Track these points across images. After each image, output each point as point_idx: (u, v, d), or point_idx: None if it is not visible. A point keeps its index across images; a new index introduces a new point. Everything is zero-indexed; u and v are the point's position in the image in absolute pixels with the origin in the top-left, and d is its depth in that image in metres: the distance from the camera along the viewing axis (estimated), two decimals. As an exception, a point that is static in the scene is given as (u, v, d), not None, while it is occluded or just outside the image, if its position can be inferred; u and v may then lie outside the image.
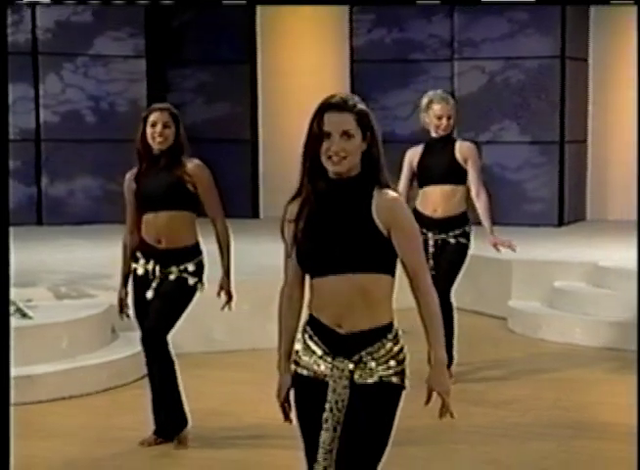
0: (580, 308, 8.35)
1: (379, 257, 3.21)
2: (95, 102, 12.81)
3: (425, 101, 6.83)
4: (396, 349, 3.23)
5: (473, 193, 6.75)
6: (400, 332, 3.25)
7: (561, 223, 12.37)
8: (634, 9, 12.50)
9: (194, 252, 5.43)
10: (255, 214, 13.53)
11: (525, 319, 8.53)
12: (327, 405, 3.22)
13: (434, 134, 6.81)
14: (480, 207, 6.75)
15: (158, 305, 5.35)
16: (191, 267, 5.39)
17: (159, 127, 5.32)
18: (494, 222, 6.79)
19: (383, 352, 3.21)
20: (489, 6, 12.12)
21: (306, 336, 3.31)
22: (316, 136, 3.22)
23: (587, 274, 8.78)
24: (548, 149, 12.36)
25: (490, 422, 5.93)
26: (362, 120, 3.22)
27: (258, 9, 13.42)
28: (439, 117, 6.74)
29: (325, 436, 3.23)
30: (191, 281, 5.39)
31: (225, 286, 5.51)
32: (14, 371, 6.02)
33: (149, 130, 5.34)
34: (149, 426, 5.57)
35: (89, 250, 10.19)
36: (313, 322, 3.29)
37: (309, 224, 3.25)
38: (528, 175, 12.35)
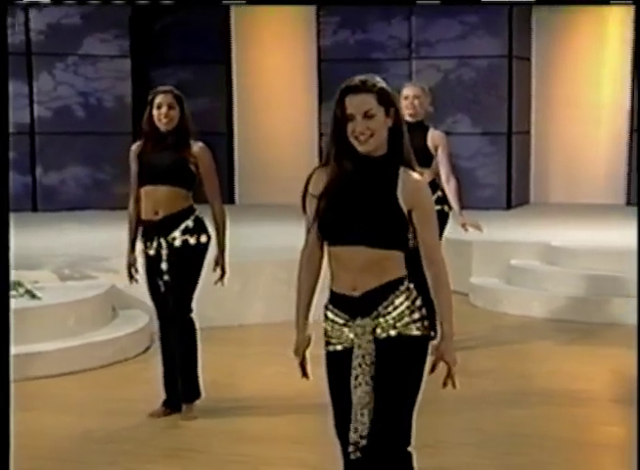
0: (536, 284, 8.28)
1: (396, 234, 3.10)
2: (84, 98, 12.57)
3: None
4: (410, 301, 3.11)
5: (443, 178, 6.65)
6: (412, 285, 3.12)
7: (509, 206, 12.34)
8: (574, 11, 12.51)
9: (189, 211, 5.23)
10: (231, 201, 13.34)
11: (485, 295, 8.45)
12: (354, 362, 3.10)
13: (407, 118, 6.66)
14: (450, 191, 6.65)
15: (174, 276, 5.18)
16: (190, 223, 5.21)
17: (164, 109, 5.15)
18: (463, 206, 6.71)
19: (398, 303, 3.10)
20: (444, 9, 11.99)
21: (329, 313, 3.20)
22: (340, 119, 3.09)
23: (540, 253, 8.71)
24: (497, 139, 12.30)
25: (469, 391, 5.80)
26: (383, 98, 3.09)
27: (233, 12, 13.22)
28: (406, 98, 6.62)
29: (359, 392, 3.10)
30: (192, 240, 5.20)
31: (220, 262, 5.35)
32: (24, 348, 5.91)
33: (155, 112, 5.17)
34: (156, 398, 5.41)
35: (84, 234, 9.96)
36: (332, 297, 3.18)
37: (335, 197, 3.11)
38: (479, 163, 12.28)
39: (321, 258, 3.21)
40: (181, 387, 5.32)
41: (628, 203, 12.51)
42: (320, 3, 12.64)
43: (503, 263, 8.71)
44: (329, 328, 3.21)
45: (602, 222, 10.64)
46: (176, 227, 5.18)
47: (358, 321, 3.11)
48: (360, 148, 3.07)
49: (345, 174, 3.11)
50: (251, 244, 8.58)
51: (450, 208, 6.63)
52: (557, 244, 8.68)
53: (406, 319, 3.10)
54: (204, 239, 5.25)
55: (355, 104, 3.06)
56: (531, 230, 9.97)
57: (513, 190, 12.42)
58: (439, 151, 6.59)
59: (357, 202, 3.08)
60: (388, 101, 3.09)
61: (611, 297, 7.83)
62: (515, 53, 12.28)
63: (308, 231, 3.20)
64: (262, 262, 8.02)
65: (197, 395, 5.37)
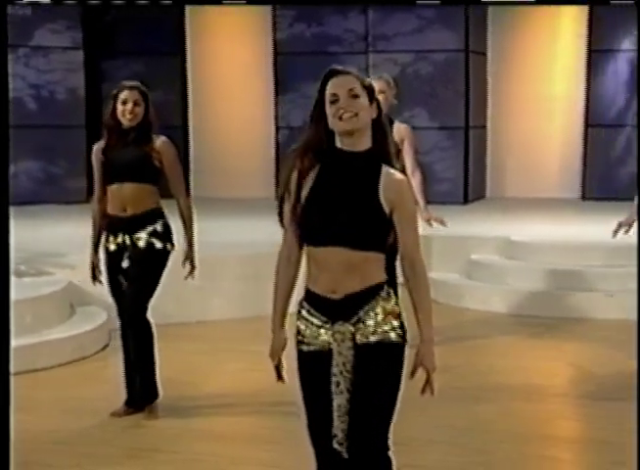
0: (496, 279, 8.26)
1: (376, 236, 3.00)
2: (36, 90, 12.33)
3: None
4: (391, 305, 3.03)
5: (408, 172, 6.57)
6: (392, 291, 3.03)
7: (466, 201, 12.32)
8: (528, 5, 12.52)
9: (158, 214, 5.14)
10: (186, 193, 13.19)
11: (447, 290, 8.40)
12: (335, 369, 3.02)
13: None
14: (415, 185, 6.57)
15: (134, 276, 5.07)
16: (159, 228, 5.11)
17: (129, 105, 5.02)
18: (428, 200, 6.66)
19: (378, 309, 3.01)
20: (401, 3, 11.96)
21: (304, 311, 3.09)
22: (321, 103, 2.99)
23: (500, 247, 8.69)
24: (454, 134, 12.28)
25: (436, 387, 5.75)
26: (365, 85, 3.01)
27: (187, 4, 13.08)
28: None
29: (340, 399, 3.02)
30: (159, 245, 5.09)
31: (189, 256, 5.26)
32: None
33: (119, 107, 5.03)
34: (118, 397, 5.28)
35: (38, 229, 9.75)
36: (309, 296, 3.07)
37: (313, 195, 3.00)
38: (437, 158, 12.24)
39: (299, 258, 3.11)
40: (139, 388, 5.20)
41: (583, 197, 12.57)
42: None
43: (463, 258, 8.68)
44: (303, 327, 3.11)
45: (559, 217, 10.67)
46: (143, 228, 5.06)
47: (338, 326, 3.02)
48: (344, 127, 2.94)
49: (324, 169, 3.01)
50: (208, 238, 8.43)
51: (416, 202, 6.56)
52: (517, 238, 8.67)
53: (386, 325, 3.02)
54: (169, 246, 5.15)
55: (339, 83, 2.97)
56: (490, 225, 9.96)
57: (470, 184, 12.42)
58: (405, 144, 6.52)
59: (338, 200, 2.98)
60: (370, 90, 3.01)
61: (571, 291, 7.84)
62: (471, 48, 12.27)
63: (286, 230, 3.10)
64: (222, 257, 7.90)
65: (155, 395, 5.26)
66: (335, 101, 2.95)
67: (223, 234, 9.06)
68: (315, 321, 3.06)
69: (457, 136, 12.28)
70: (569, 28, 12.77)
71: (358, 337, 3.01)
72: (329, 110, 2.96)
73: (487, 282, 8.24)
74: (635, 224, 6.24)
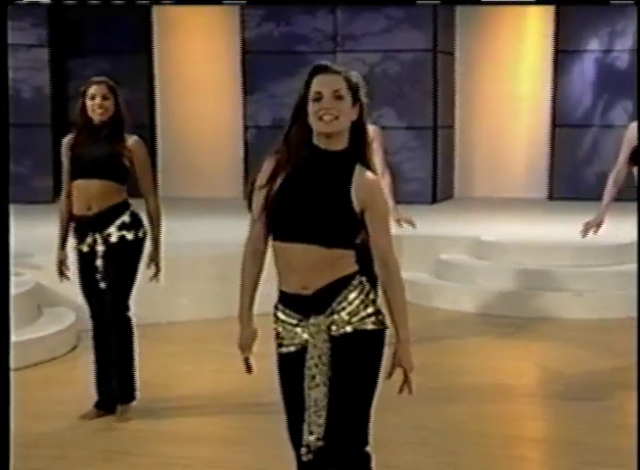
0: (466, 279, 8.29)
1: (347, 234, 3.01)
2: (1, 88, 12.17)
3: None
4: (363, 295, 3.03)
5: (378, 173, 6.55)
6: (364, 279, 3.03)
7: (434, 201, 12.35)
8: (495, 9, 12.58)
9: (124, 206, 5.09)
10: (156, 194, 13.13)
11: (417, 290, 8.39)
12: (310, 362, 3.01)
13: None
14: (385, 186, 6.57)
15: (111, 273, 5.02)
16: (127, 219, 5.06)
17: (98, 100, 4.98)
18: (396, 200, 6.68)
19: (351, 297, 3.01)
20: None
21: (279, 312, 3.11)
22: (305, 99, 2.97)
23: (469, 247, 8.73)
24: (422, 134, 12.30)
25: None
26: (352, 86, 2.99)
27: (154, 2, 13.00)
28: None
29: (316, 393, 3.01)
30: (130, 235, 5.05)
31: (155, 258, 5.22)
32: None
33: (88, 103, 5.00)
34: (87, 399, 5.25)
35: (3, 229, 9.64)
36: (282, 297, 3.08)
37: (286, 190, 3.00)
38: (405, 157, 12.26)
39: (264, 252, 3.12)
40: (117, 388, 5.16)
41: (550, 197, 12.65)
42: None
43: (433, 258, 8.70)
44: (280, 329, 3.11)
45: (526, 217, 10.73)
46: (111, 223, 5.02)
47: (312, 320, 3.02)
48: (324, 128, 2.94)
49: (298, 166, 3.00)
50: (176, 238, 8.41)
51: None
52: (486, 238, 8.71)
53: (361, 314, 3.02)
54: (141, 234, 5.11)
55: (325, 82, 2.96)
56: (459, 224, 10.00)
57: (438, 184, 12.45)
58: (375, 145, 6.51)
59: (310, 198, 2.98)
60: (356, 91, 3.00)
61: (540, 291, 7.88)
62: (439, 47, 12.29)
63: (253, 223, 3.08)
64: (191, 258, 7.87)
65: (133, 395, 5.23)
66: (318, 99, 2.94)
67: (192, 234, 9.02)
68: (290, 320, 3.07)
69: (425, 136, 12.30)
70: (535, 29, 12.84)
71: (334, 328, 3.01)
72: (311, 107, 2.96)
73: (457, 282, 8.27)
74: (604, 225, 6.29)
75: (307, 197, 2.97)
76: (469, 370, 6.23)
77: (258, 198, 3.03)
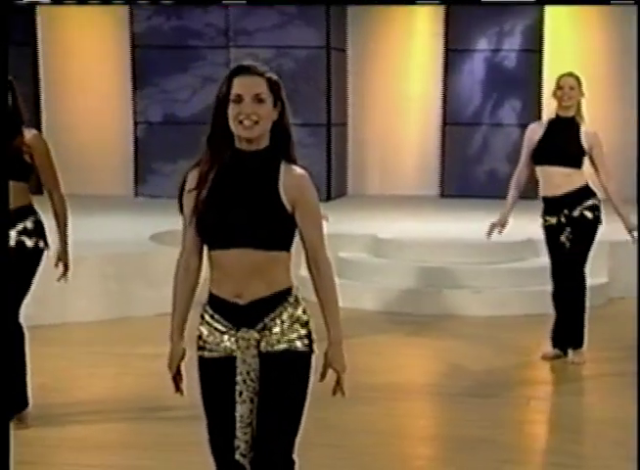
0: (365, 277, 8.28)
1: (281, 234, 2.94)
2: None
3: None
4: (298, 313, 2.96)
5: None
6: (300, 296, 2.96)
7: (328, 198, 12.32)
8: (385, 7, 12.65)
9: (29, 210, 4.88)
10: (39, 191, 12.74)
11: (317, 288, 8.38)
12: (238, 378, 2.92)
13: None
14: None
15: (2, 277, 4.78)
16: (30, 225, 4.85)
17: None
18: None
19: (285, 316, 2.93)
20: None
21: (207, 316, 2.99)
22: (225, 100, 2.88)
23: (368, 245, 8.73)
24: (316, 131, 12.24)
25: (315, 388, 5.68)
26: (273, 87, 2.92)
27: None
28: None
29: (242, 409, 2.92)
30: (29, 242, 4.83)
31: (63, 257, 5.03)
32: None
33: None
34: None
35: None
36: (213, 300, 2.96)
37: (213, 194, 2.90)
38: (300, 154, 11.70)
39: (199, 269, 3.01)
40: (8, 396, 4.93)
41: (442, 195, 12.79)
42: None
43: (331, 256, 8.57)
44: (206, 332, 3.00)
45: (421, 214, 10.80)
46: (13, 226, 4.79)
47: (242, 333, 2.92)
48: (243, 133, 2.87)
49: (223, 169, 2.91)
50: (76, 237, 8.18)
51: None
52: (384, 236, 8.72)
53: (293, 335, 2.94)
54: (42, 244, 4.89)
55: (246, 84, 2.87)
56: (355, 222, 10.00)
57: (332, 182, 12.43)
58: None
59: (238, 199, 2.89)
60: (277, 92, 2.93)
61: (440, 288, 7.93)
62: (332, 44, 12.27)
63: (184, 232, 2.99)
64: (82, 257, 7.60)
65: (25, 404, 5.00)
66: (238, 101, 2.86)
67: (84, 232, 8.72)
68: (219, 327, 2.96)
69: (319, 133, 12.27)
70: (425, 27, 12.95)
71: (263, 345, 2.92)
72: (231, 109, 2.87)
73: (357, 280, 8.24)
74: (508, 225, 6.36)
75: (236, 200, 2.89)
76: (376, 369, 6.21)
77: (189, 201, 2.94)
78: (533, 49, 12.38)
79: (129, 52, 12.49)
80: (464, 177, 12.70)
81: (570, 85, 6.08)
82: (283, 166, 2.93)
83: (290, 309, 2.93)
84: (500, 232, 6.33)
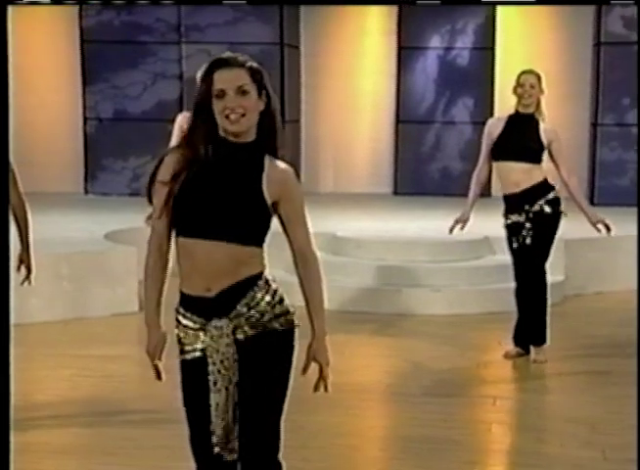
0: (324, 275, 8.17)
1: (257, 230, 2.88)
2: None
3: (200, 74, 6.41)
4: (270, 295, 2.90)
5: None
6: (271, 278, 2.90)
7: (281, 196, 12.26)
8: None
9: None
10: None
11: (275, 287, 8.31)
12: (211, 367, 2.86)
13: None
14: None
15: None
16: None
17: None
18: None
19: (257, 299, 2.87)
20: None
21: (180, 317, 2.92)
22: (206, 97, 2.81)
23: (325, 243, 8.64)
24: (269, 128, 12.16)
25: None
26: (256, 77, 2.84)
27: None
28: None
29: (217, 398, 2.87)
30: None
31: (25, 260, 4.95)
32: None
33: None
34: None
35: None
36: (183, 300, 2.90)
37: (193, 185, 2.82)
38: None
39: (169, 248, 2.93)
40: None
41: (395, 192, 12.78)
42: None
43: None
44: (182, 335, 2.94)
45: (375, 212, 10.79)
46: None
47: (214, 322, 2.84)
48: (231, 127, 2.80)
49: (205, 159, 2.83)
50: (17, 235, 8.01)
51: None
52: (342, 234, 8.67)
53: (268, 316, 2.88)
54: None
55: (227, 78, 2.79)
56: (311, 221, 9.87)
57: (285, 179, 12.36)
58: None
59: (217, 191, 2.82)
60: (260, 80, 2.85)
61: (399, 287, 7.90)
62: (286, 41, 12.21)
63: (155, 221, 2.90)
64: (38, 256, 7.45)
65: None
66: (221, 96, 2.78)
67: (33, 231, 8.57)
68: (191, 325, 2.90)
69: (272, 130, 12.18)
70: (377, 25, 12.93)
71: (238, 332, 2.85)
72: (215, 104, 2.80)
73: (314, 279, 8.18)
74: (469, 222, 6.35)
75: (216, 191, 2.82)
76: (338, 369, 6.03)
77: (160, 194, 2.85)
78: (485, 47, 12.43)
79: (79, 47, 12.29)
80: (417, 175, 12.71)
81: (530, 83, 6.09)
82: (267, 160, 2.87)
83: (261, 293, 2.88)
84: (462, 229, 6.32)
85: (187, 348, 2.92)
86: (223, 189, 2.81)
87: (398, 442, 5.00)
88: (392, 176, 12.87)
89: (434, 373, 6.13)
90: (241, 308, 2.85)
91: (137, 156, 11.88)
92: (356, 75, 12.92)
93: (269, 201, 2.84)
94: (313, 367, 3.04)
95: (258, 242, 2.88)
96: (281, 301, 2.92)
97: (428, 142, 12.74)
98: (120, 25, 12.19)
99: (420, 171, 12.70)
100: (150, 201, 2.90)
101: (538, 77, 6.12)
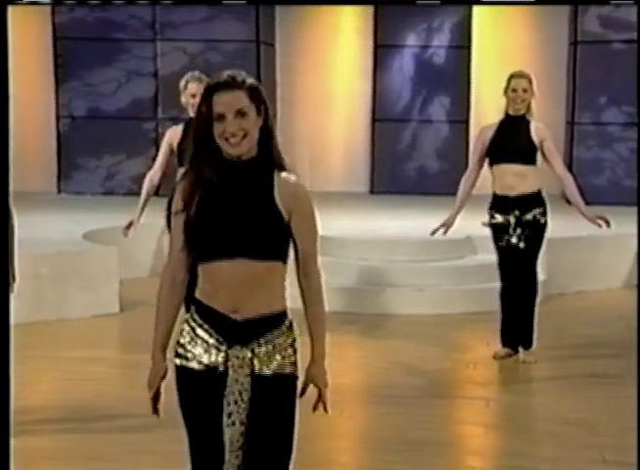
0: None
1: (277, 244, 2.81)
2: None
3: (182, 82, 6.33)
4: (292, 338, 2.85)
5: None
6: (290, 317, 2.86)
7: (259, 196, 12.18)
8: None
9: None
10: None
11: (257, 287, 8.23)
12: (230, 398, 2.78)
13: (191, 114, 6.32)
14: None
15: None
16: None
17: None
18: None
19: (282, 339, 2.82)
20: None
21: (195, 325, 2.83)
22: (207, 120, 2.76)
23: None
24: (245, 126, 12.08)
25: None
26: (254, 95, 2.78)
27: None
28: (193, 96, 6.25)
29: (232, 432, 2.78)
30: None
31: (9, 268, 4.81)
32: None
33: None
34: None
35: None
36: (203, 310, 2.81)
37: (204, 209, 2.77)
38: (229, 151, 12.00)
39: (185, 280, 2.86)
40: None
41: (372, 191, 12.74)
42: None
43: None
44: (188, 340, 2.84)
45: (352, 211, 10.72)
46: None
47: (236, 351, 2.78)
48: (232, 151, 2.75)
49: (211, 182, 2.78)
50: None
51: None
52: (325, 234, 8.57)
53: (285, 359, 2.83)
54: None
55: (226, 102, 2.73)
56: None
57: (261, 178, 12.27)
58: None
59: (232, 210, 2.77)
60: (259, 98, 2.79)
61: (383, 287, 7.84)
62: (261, 38, 12.13)
63: (171, 248, 2.85)
64: (17, 256, 7.33)
65: None
66: (221, 119, 2.73)
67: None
68: (207, 338, 2.80)
69: (248, 129, 12.10)
70: (352, 24, 12.88)
71: (257, 365, 2.78)
72: (215, 127, 2.76)
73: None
74: (452, 227, 6.31)
75: (232, 211, 2.77)
76: (329, 371, 6.07)
77: (178, 224, 2.81)
78: (462, 45, 12.42)
79: (52, 44, 12.14)
80: (394, 174, 12.67)
81: (523, 88, 6.07)
82: (276, 174, 2.81)
83: (285, 333, 2.84)
84: (445, 233, 6.29)
85: (190, 355, 2.83)
86: (238, 207, 2.77)
87: (391, 445, 4.93)
88: (369, 175, 12.82)
89: (424, 374, 6.08)
90: (263, 344, 2.80)
91: (111, 154, 11.75)
92: (332, 74, 12.86)
93: (285, 213, 2.80)
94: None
95: (280, 256, 2.82)
96: (296, 350, 2.89)
97: (404, 140, 12.71)
98: (94, 22, 12.06)
99: (396, 170, 12.66)
100: (169, 230, 2.88)
101: (529, 80, 6.10)
